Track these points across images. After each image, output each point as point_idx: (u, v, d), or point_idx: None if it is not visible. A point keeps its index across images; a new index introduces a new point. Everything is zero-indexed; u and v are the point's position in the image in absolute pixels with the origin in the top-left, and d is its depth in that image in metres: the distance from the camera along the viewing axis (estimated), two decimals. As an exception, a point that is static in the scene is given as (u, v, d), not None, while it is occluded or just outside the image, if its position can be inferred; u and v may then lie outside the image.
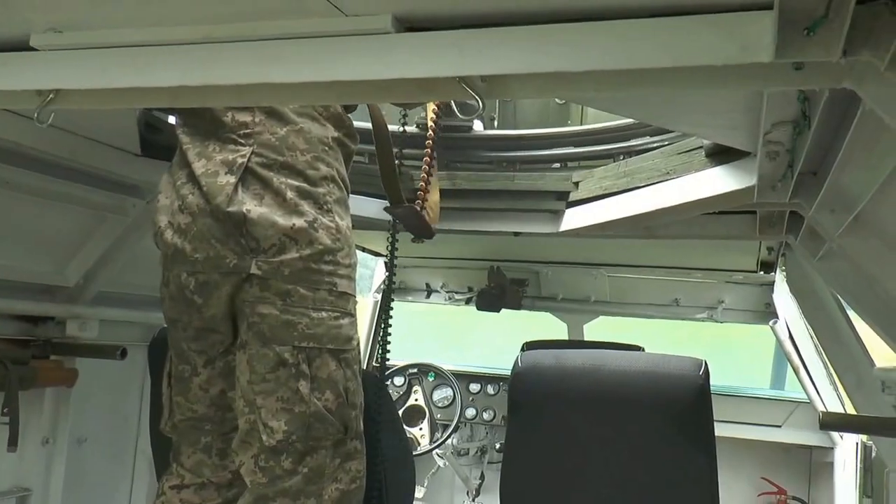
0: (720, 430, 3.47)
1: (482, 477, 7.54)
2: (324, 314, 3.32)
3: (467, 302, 7.60)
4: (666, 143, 4.12)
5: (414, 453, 6.38)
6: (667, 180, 3.91)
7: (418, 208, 4.16)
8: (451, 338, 16.33)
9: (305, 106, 3.48)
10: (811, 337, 5.77)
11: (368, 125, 4.09)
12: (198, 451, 3.64)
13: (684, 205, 3.79)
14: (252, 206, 3.24)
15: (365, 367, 7.51)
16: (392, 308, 4.46)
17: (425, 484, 7.35)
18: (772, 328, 6.52)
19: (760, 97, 2.40)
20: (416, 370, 7.65)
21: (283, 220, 3.25)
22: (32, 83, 2.26)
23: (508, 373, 3.68)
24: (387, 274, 4.57)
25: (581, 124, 4.99)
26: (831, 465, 6.51)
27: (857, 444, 5.64)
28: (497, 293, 6.98)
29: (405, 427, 6.55)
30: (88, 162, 4.00)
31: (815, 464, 7.08)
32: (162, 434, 3.76)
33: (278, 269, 3.25)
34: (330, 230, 3.34)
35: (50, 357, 4.58)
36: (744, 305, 6.92)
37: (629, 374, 3.46)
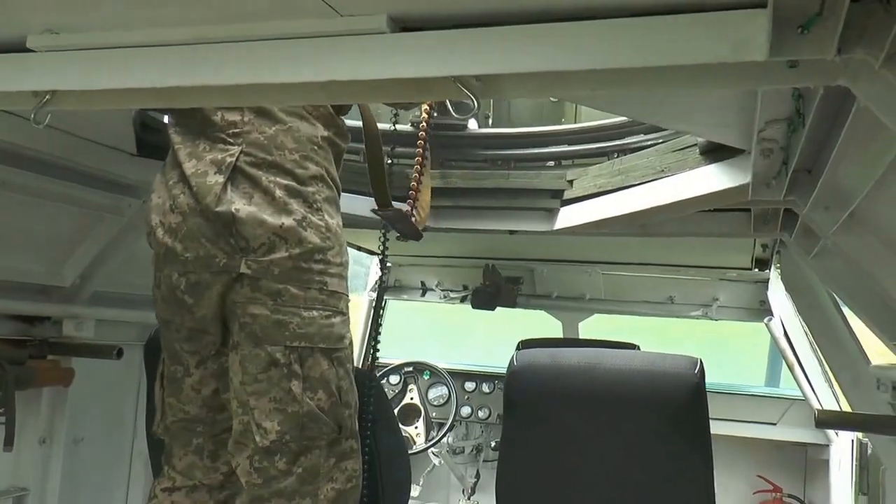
0: (715, 428, 3.47)
1: (478, 475, 7.57)
2: (315, 313, 3.32)
3: (462, 300, 7.62)
4: (660, 140, 4.13)
5: (409, 452, 6.39)
6: (661, 178, 3.92)
7: (406, 210, 4.16)
8: (446, 336, 16.34)
9: (295, 105, 3.48)
10: (806, 334, 5.79)
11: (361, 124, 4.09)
12: (189, 453, 3.64)
13: (679, 202, 3.80)
14: (241, 205, 3.24)
15: (360, 366, 7.53)
16: (384, 306, 4.46)
17: (421, 482, 7.36)
18: (766, 325, 6.54)
19: (754, 95, 2.40)
20: (411, 368, 7.64)
21: (272, 218, 3.24)
22: (29, 84, 2.26)
23: (504, 371, 3.68)
24: (380, 274, 4.57)
25: (575, 122, 5.00)
26: (827, 462, 6.53)
27: (852, 441, 5.66)
28: (492, 291, 6.99)
29: (400, 426, 6.54)
30: (84, 162, 4.00)
31: (811, 461, 7.10)
32: (158, 434, 3.76)
33: (268, 269, 3.24)
34: (319, 229, 3.34)
35: (47, 357, 4.57)
36: (738, 303, 6.93)
37: (624, 373, 3.46)
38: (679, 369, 3.40)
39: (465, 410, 7.68)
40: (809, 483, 7.12)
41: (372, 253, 7.29)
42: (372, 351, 4.39)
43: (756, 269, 5.82)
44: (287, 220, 3.26)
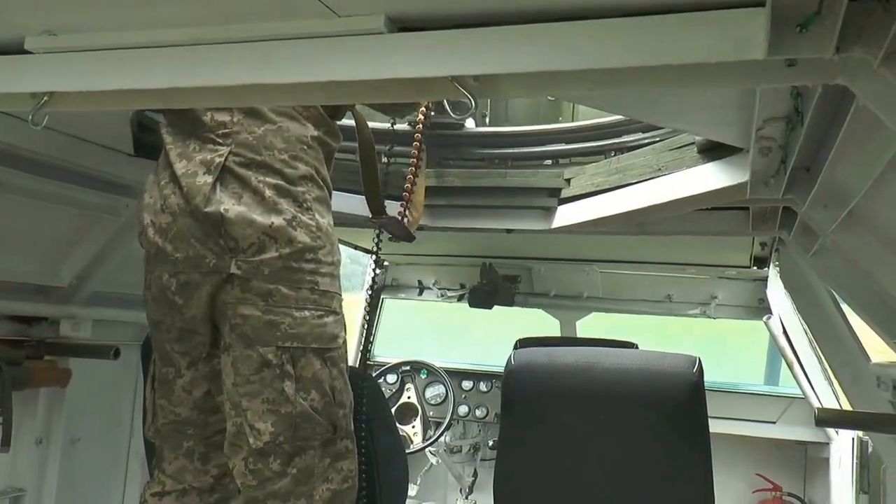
0: (714, 427, 3.47)
1: (475, 474, 7.56)
2: (307, 313, 3.31)
3: (459, 299, 7.64)
4: (658, 139, 4.13)
5: (407, 451, 6.40)
6: (659, 176, 3.93)
7: (400, 217, 4.17)
8: (443, 335, 16.34)
9: (288, 105, 3.48)
10: (805, 332, 5.79)
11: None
12: (180, 456, 3.63)
13: (676, 201, 3.80)
14: (230, 205, 3.24)
15: (357, 365, 7.53)
16: (381, 306, 4.47)
17: (418, 482, 7.33)
18: (765, 324, 6.54)
19: (753, 93, 2.41)
20: (408, 367, 7.66)
21: (261, 218, 3.24)
22: (27, 86, 2.26)
23: (501, 370, 3.68)
24: (374, 274, 4.58)
25: (572, 121, 5.01)
26: (827, 461, 6.53)
27: (853, 439, 5.65)
28: (489, 290, 7.01)
29: (398, 425, 6.55)
30: (82, 162, 4.01)
31: (811, 460, 7.10)
32: (154, 435, 3.76)
33: (258, 269, 3.24)
34: (310, 228, 3.34)
35: (44, 357, 4.59)
36: (737, 301, 6.93)
37: (623, 372, 3.46)
38: (678, 368, 3.40)
39: (463, 409, 7.69)
40: (809, 482, 7.12)
41: (369, 252, 7.27)
42: (363, 350, 4.39)
43: (755, 268, 5.83)
44: (277, 220, 3.26)
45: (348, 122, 3.91)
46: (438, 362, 7.76)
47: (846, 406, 5.33)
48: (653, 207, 3.92)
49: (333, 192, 3.64)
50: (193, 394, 3.56)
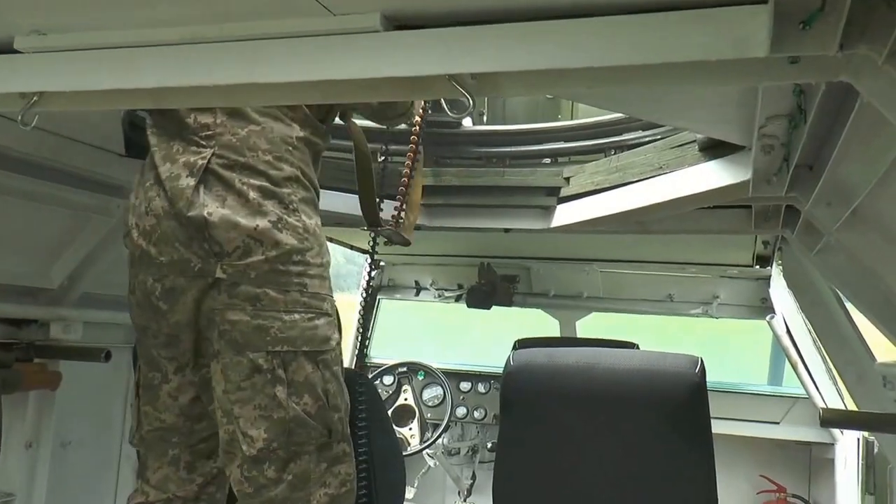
0: (717, 428, 3.47)
1: (474, 477, 7.56)
2: (296, 316, 3.30)
3: (457, 299, 7.63)
4: (659, 137, 4.13)
5: (404, 454, 6.39)
6: (660, 175, 3.93)
7: (396, 212, 4.16)
8: (441, 336, 16.33)
9: (271, 105, 3.47)
10: (809, 332, 5.79)
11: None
12: (164, 464, 3.62)
13: (678, 200, 3.81)
14: (214, 208, 3.23)
15: (354, 366, 7.53)
16: (377, 306, 4.47)
17: (416, 485, 7.34)
18: (768, 323, 6.54)
19: (755, 91, 2.41)
20: (405, 369, 7.65)
21: (245, 220, 3.23)
22: (16, 86, 2.25)
23: (500, 371, 3.68)
24: (369, 275, 4.59)
25: (571, 119, 5.01)
26: (832, 461, 6.52)
27: (858, 440, 5.65)
28: (487, 290, 7.01)
29: (395, 427, 6.54)
30: (72, 163, 4.01)
31: (816, 461, 7.09)
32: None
33: (244, 273, 3.23)
34: (296, 230, 3.32)
35: (33, 360, 4.58)
36: (739, 300, 6.93)
37: (624, 373, 3.46)
38: (679, 368, 3.40)
39: (461, 411, 7.69)
40: (814, 483, 7.12)
41: (364, 252, 7.29)
42: (358, 352, 4.39)
43: (757, 266, 5.84)
44: (262, 222, 3.25)
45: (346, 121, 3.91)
46: (436, 363, 7.74)
47: (851, 406, 5.33)
48: (654, 206, 3.93)
49: (328, 192, 3.64)
50: (179, 400, 3.54)
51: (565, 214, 4.38)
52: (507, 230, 4.77)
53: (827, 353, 5.47)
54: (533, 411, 3.62)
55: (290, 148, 3.45)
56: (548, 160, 4.71)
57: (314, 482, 3.36)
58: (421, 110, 4.23)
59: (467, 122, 4.79)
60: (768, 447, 7.16)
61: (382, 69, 1.87)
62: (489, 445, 7.57)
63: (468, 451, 7.68)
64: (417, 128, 4.23)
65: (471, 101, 1.88)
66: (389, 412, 7.04)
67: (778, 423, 7.08)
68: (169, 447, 3.60)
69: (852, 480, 5.71)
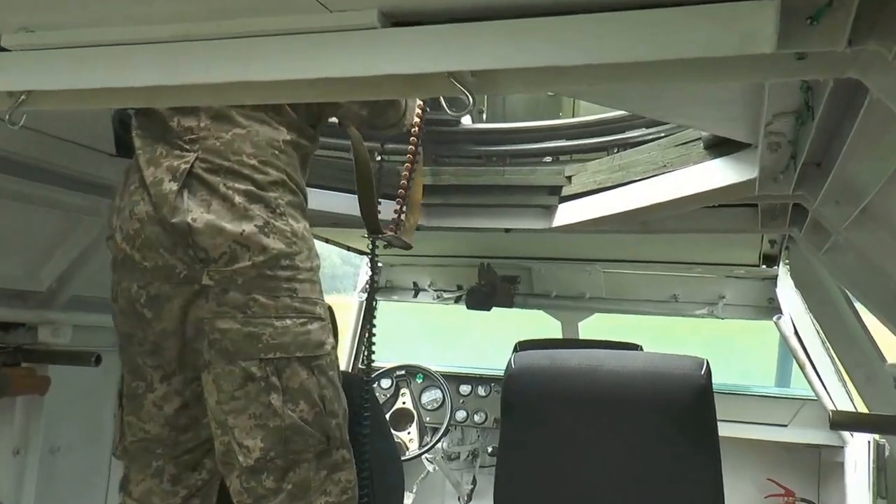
0: (723, 431, 3.47)
1: (474, 482, 7.54)
2: (288, 322, 3.30)
3: (457, 300, 7.62)
4: (662, 134, 4.13)
5: (402, 458, 6.39)
6: (664, 173, 3.93)
7: (396, 215, 4.17)
8: (440, 337, 16.36)
9: (257, 108, 3.46)
10: (818, 332, 5.79)
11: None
12: (147, 477, 3.60)
13: (682, 199, 3.81)
14: (198, 213, 3.23)
15: (351, 370, 7.53)
16: (376, 308, 4.46)
17: (415, 490, 7.35)
18: (776, 324, 6.53)
19: (761, 87, 2.41)
20: (403, 372, 7.63)
21: (231, 226, 3.22)
22: (3, 84, 2.25)
23: (500, 373, 3.68)
24: (371, 279, 4.59)
25: (573, 116, 5.01)
26: (842, 465, 6.52)
27: (868, 442, 5.64)
28: (487, 291, 7.00)
29: (393, 431, 6.54)
30: (62, 163, 4.00)
31: (825, 464, 7.08)
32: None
33: (232, 279, 3.22)
34: (284, 234, 3.32)
35: (21, 364, 4.56)
36: (746, 301, 6.92)
37: (628, 375, 3.46)
38: (685, 370, 3.40)
39: (461, 415, 7.67)
40: (823, 486, 7.10)
41: (361, 252, 7.29)
42: (356, 355, 4.39)
43: (764, 266, 5.84)
44: (248, 227, 3.24)
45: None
46: (435, 366, 7.73)
47: (861, 408, 5.33)
48: (658, 205, 3.93)
49: (326, 192, 3.64)
50: (165, 409, 3.53)
51: (567, 214, 4.38)
52: (507, 230, 4.77)
53: (836, 354, 5.47)
54: (535, 414, 3.62)
55: (277, 151, 3.45)
56: (549, 158, 4.71)
57: (314, 490, 3.36)
58: (420, 111, 4.24)
59: (466, 120, 4.78)
60: (776, 450, 7.15)
61: (380, 67, 1.87)
62: (490, 450, 7.54)
63: (468, 456, 7.67)
64: (417, 129, 4.24)
65: (471, 99, 1.88)
66: (387, 416, 7.03)
67: (786, 425, 7.07)
68: (153, 459, 3.59)
69: (863, 484, 5.70)
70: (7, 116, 2.31)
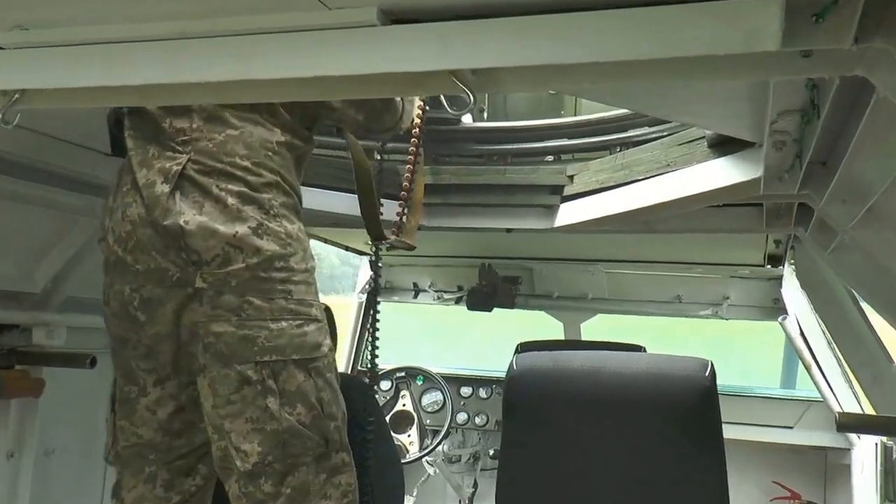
0: (728, 433, 3.47)
1: (475, 485, 7.53)
2: (284, 324, 3.29)
3: (457, 301, 7.61)
4: (665, 133, 4.13)
5: (402, 461, 6.39)
6: (667, 173, 3.93)
7: (398, 232, 4.20)
8: (440, 338, 16.36)
9: (251, 109, 3.46)
10: (823, 333, 5.79)
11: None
12: (140, 483, 3.59)
13: (686, 198, 3.80)
14: (191, 216, 3.22)
15: (350, 371, 7.53)
16: (378, 311, 4.46)
17: (415, 493, 7.36)
18: (781, 324, 6.52)
19: (766, 85, 2.41)
20: (403, 374, 7.64)
21: (224, 227, 3.21)
22: (-3, 83, 2.26)
23: (502, 375, 3.68)
24: (374, 281, 4.59)
25: (575, 115, 5.00)
26: (848, 467, 6.51)
27: (876, 444, 5.63)
28: (488, 292, 7.01)
29: (393, 434, 6.54)
30: (56, 162, 4.00)
31: (831, 466, 7.07)
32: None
33: (225, 281, 3.22)
34: (278, 235, 3.31)
35: (15, 367, 4.56)
36: (750, 301, 6.92)
37: (631, 376, 3.46)
38: (689, 372, 3.40)
39: (461, 417, 7.68)
40: (830, 489, 7.10)
41: (360, 253, 7.29)
42: (370, 359, 4.38)
43: (769, 266, 5.83)
44: (241, 229, 3.23)
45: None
46: (435, 368, 7.73)
47: (868, 409, 5.33)
48: (661, 205, 3.93)
49: (326, 192, 3.63)
50: (158, 414, 3.52)
51: (569, 213, 4.38)
52: (508, 230, 4.77)
53: (842, 354, 5.47)
54: (537, 416, 3.62)
55: (270, 153, 3.43)
56: (551, 158, 4.71)
57: (314, 494, 3.35)
58: (420, 111, 4.23)
59: (467, 119, 4.78)
60: (782, 452, 7.15)
61: (380, 65, 1.87)
62: (491, 452, 7.52)
63: (469, 459, 7.65)
64: (418, 130, 4.24)
65: (472, 98, 1.88)
66: (387, 418, 7.02)
67: (792, 427, 7.06)
68: (146, 464, 3.58)
69: (870, 486, 5.69)
70: (1, 115, 2.31)
